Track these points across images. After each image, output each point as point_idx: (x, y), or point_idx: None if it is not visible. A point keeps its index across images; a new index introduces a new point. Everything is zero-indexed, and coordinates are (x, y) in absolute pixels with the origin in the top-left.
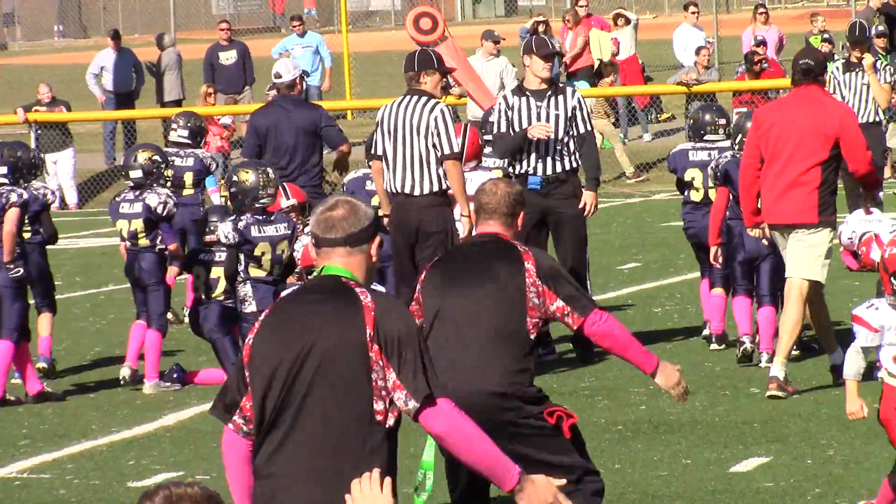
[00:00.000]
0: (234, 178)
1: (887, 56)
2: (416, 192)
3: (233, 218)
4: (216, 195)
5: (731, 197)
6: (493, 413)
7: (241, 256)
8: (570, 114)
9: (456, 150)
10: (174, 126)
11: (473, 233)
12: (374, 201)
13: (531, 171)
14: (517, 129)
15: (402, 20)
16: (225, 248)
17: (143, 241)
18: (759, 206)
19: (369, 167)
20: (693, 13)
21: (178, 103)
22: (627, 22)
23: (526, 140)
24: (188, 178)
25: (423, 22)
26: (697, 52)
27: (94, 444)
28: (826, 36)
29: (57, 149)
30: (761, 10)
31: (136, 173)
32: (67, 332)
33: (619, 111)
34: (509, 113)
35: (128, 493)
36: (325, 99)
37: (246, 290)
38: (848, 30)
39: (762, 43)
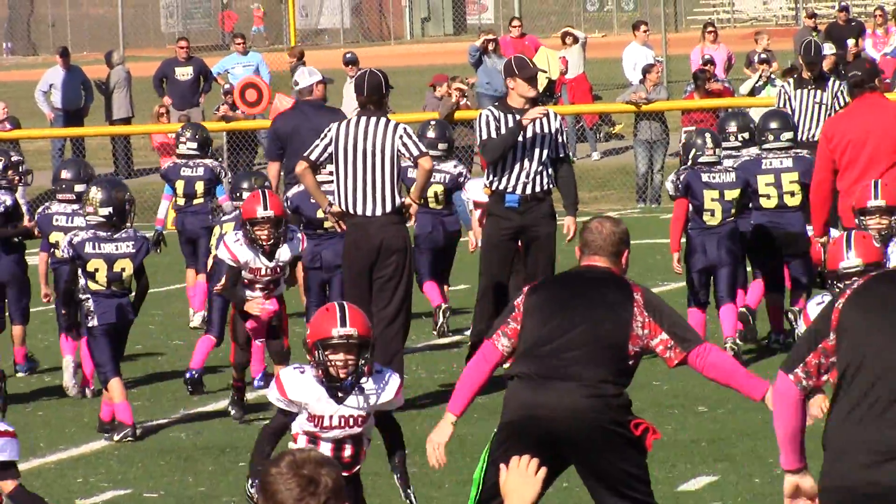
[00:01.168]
0: (88, 196)
1: (838, 79)
2: (378, 213)
3: (71, 233)
4: (227, 203)
5: (690, 207)
6: (587, 414)
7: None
8: (553, 136)
9: (423, 150)
10: (182, 139)
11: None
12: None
13: (510, 190)
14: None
15: (351, 38)
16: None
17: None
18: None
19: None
20: (643, 32)
21: (126, 121)
22: (575, 40)
23: (519, 134)
24: (199, 187)
25: (249, 93)
26: (648, 70)
27: (41, 461)
28: (763, 56)
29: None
30: (710, 29)
31: (105, 210)
32: (9, 348)
33: (567, 129)
34: (496, 123)
35: None
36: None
37: (89, 304)
38: (802, 48)
39: (710, 62)
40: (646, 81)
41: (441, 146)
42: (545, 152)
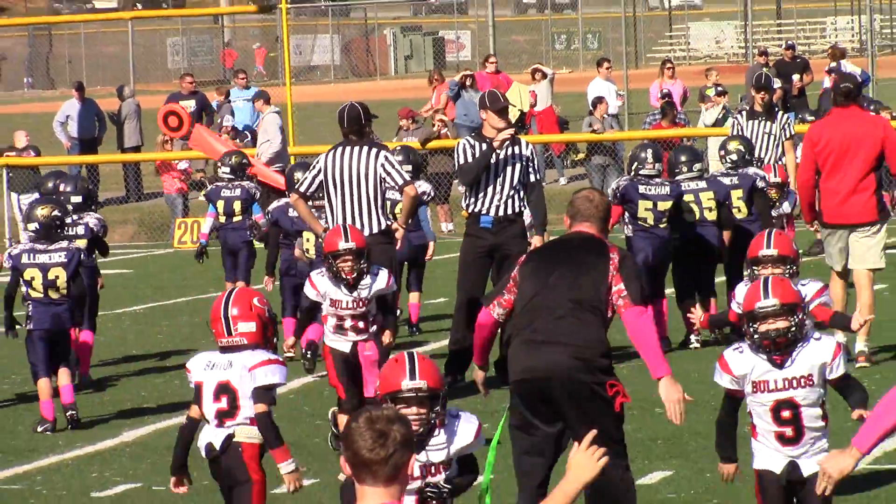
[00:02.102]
0: (32, 212)
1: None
2: (365, 234)
3: (10, 246)
4: (262, 220)
5: (626, 214)
6: (573, 373)
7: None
8: (524, 162)
9: (408, 178)
10: (220, 164)
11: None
12: (304, 227)
13: (484, 212)
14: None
15: (341, 74)
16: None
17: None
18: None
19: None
20: (606, 68)
21: (136, 149)
22: (544, 76)
23: (491, 156)
24: (237, 206)
25: (171, 120)
26: (598, 102)
27: (60, 458)
28: (720, 88)
29: (27, 190)
30: (668, 65)
31: (33, 225)
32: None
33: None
34: (472, 150)
35: (91, 503)
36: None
37: (29, 310)
38: (754, 79)
39: (668, 95)
40: (595, 112)
41: (405, 167)
42: (516, 177)
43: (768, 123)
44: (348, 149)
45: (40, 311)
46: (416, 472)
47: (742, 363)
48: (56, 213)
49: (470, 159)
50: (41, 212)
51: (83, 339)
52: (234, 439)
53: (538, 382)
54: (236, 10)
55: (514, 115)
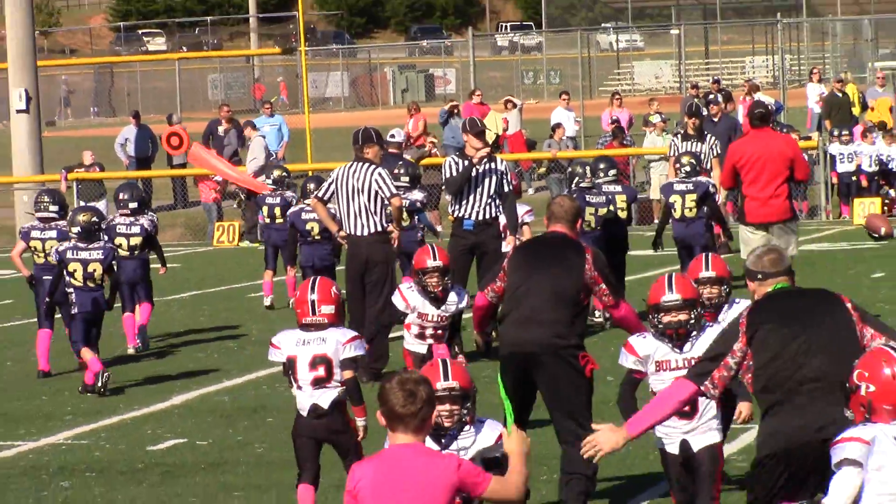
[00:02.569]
0: (74, 218)
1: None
2: (365, 233)
3: (60, 244)
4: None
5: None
6: (552, 347)
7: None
8: (499, 176)
9: (394, 191)
10: (266, 178)
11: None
12: (311, 226)
13: (466, 217)
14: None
15: (349, 104)
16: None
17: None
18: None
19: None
20: (564, 99)
21: (182, 166)
22: (514, 106)
23: (472, 171)
24: (278, 211)
25: (173, 140)
26: (557, 127)
27: (120, 418)
28: (662, 116)
29: (94, 199)
30: (616, 96)
31: (76, 228)
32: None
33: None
34: (457, 166)
35: (146, 456)
36: (289, 162)
37: (72, 297)
38: (687, 107)
39: (617, 121)
40: (555, 135)
41: (404, 178)
42: (493, 188)
43: (699, 144)
44: (355, 164)
45: (82, 297)
46: None
47: (646, 346)
48: (94, 218)
49: (455, 174)
50: (82, 217)
51: (141, 313)
52: (338, 399)
53: (524, 354)
54: (264, 52)
55: (490, 137)
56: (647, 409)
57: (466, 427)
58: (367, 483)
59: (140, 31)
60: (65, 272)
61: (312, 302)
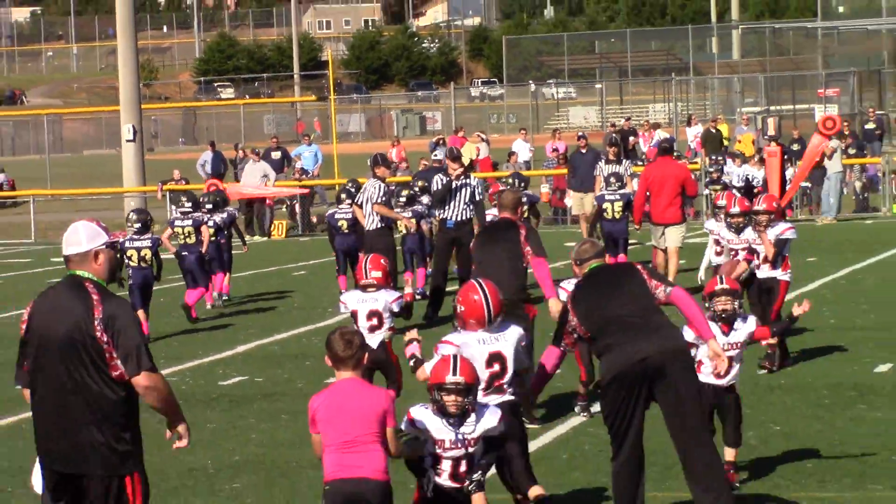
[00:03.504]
0: (131, 216)
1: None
2: (371, 228)
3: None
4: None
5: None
6: (510, 297)
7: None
8: (472, 189)
9: (378, 200)
10: (342, 195)
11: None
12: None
13: (449, 218)
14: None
15: (365, 137)
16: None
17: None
18: (641, 216)
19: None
20: (523, 133)
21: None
22: (484, 139)
23: (451, 186)
24: (343, 224)
25: (211, 188)
26: (511, 153)
27: (199, 361)
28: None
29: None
30: (557, 132)
31: (137, 225)
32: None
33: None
34: (442, 182)
35: (218, 389)
36: (322, 178)
37: (129, 274)
38: (607, 140)
39: (557, 149)
40: (510, 160)
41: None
42: (467, 198)
43: (617, 166)
44: (370, 180)
45: (136, 274)
46: (452, 444)
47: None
48: (146, 217)
49: (440, 187)
50: (138, 216)
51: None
52: (384, 340)
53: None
54: (304, 99)
55: (466, 161)
56: (533, 381)
57: (470, 415)
58: (321, 408)
59: (215, 84)
60: (125, 257)
61: (365, 268)
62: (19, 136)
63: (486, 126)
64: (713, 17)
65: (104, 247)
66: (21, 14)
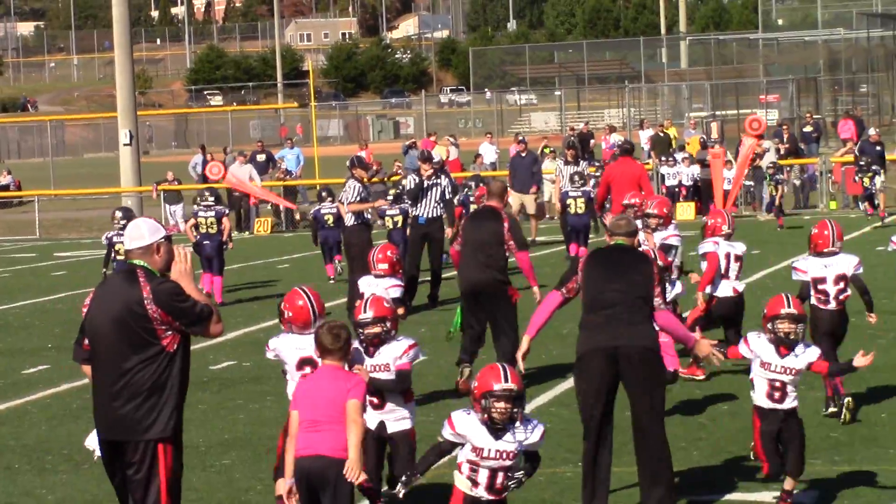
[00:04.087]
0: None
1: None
2: (349, 224)
3: (108, 232)
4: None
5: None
6: (493, 281)
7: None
8: (443, 189)
9: (349, 199)
10: (323, 191)
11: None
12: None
13: (420, 215)
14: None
15: (343, 141)
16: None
17: None
18: (604, 208)
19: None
20: (489, 137)
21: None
22: (453, 142)
23: (423, 185)
24: (329, 218)
25: (212, 170)
26: (477, 156)
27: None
28: (552, 148)
29: (174, 203)
30: (519, 136)
31: (123, 221)
32: None
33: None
34: (414, 182)
35: (209, 373)
36: (304, 178)
37: (115, 266)
38: (566, 143)
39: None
40: (476, 161)
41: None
42: (438, 196)
43: (574, 166)
44: (348, 180)
45: (122, 266)
46: (493, 454)
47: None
48: (132, 215)
49: (412, 187)
50: (122, 213)
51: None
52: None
53: (474, 286)
54: (287, 106)
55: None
56: (534, 317)
57: (517, 424)
58: (299, 388)
59: (205, 92)
60: (113, 251)
61: (373, 260)
62: (24, 140)
63: (455, 130)
64: (663, 30)
65: (164, 240)
66: (26, 28)
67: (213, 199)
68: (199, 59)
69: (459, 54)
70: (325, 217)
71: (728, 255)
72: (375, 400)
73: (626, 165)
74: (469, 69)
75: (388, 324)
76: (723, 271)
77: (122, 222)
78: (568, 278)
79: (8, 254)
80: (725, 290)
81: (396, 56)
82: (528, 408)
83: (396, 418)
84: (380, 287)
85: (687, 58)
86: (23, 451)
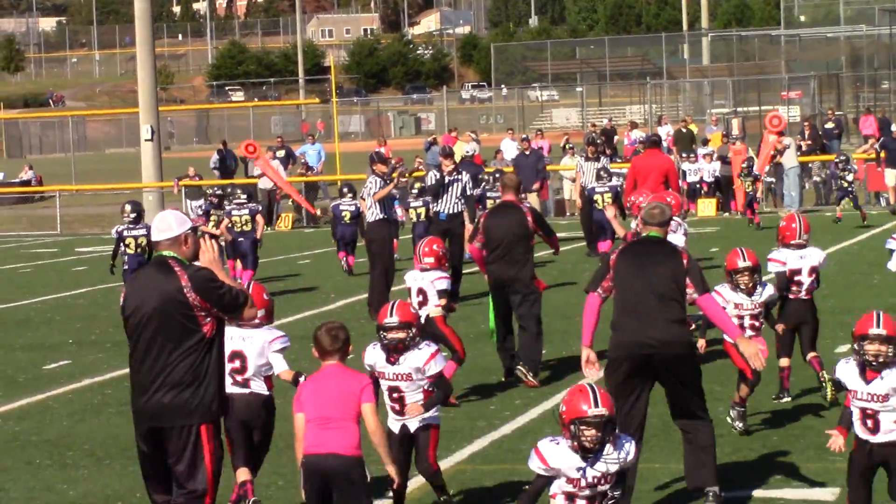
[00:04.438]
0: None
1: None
2: (371, 220)
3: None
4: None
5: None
6: (520, 275)
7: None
8: (463, 184)
9: (374, 193)
10: (344, 188)
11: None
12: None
13: (441, 210)
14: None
15: (365, 137)
16: None
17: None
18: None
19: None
20: (510, 133)
21: (255, 177)
22: (475, 139)
23: (444, 181)
24: (347, 215)
25: (249, 148)
26: (498, 151)
27: None
28: (570, 145)
29: (195, 198)
30: (538, 131)
31: (133, 215)
32: None
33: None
34: (435, 178)
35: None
36: (325, 174)
37: (125, 259)
38: (587, 139)
39: (542, 147)
40: (497, 157)
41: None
42: (458, 192)
43: (595, 164)
44: (369, 176)
45: (132, 260)
46: (589, 481)
47: (371, 356)
48: (140, 208)
49: (433, 182)
50: (131, 207)
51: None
52: (429, 316)
53: (503, 282)
54: (308, 101)
55: (458, 158)
56: (584, 324)
57: (609, 448)
58: (304, 389)
59: (227, 88)
60: (122, 244)
61: (420, 254)
62: (46, 135)
63: (476, 126)
64: (685, 26)
65: (191, 231)
66: (48, 24)
67: (245, 196)
68: (220, 54)
69: (481, 50)
70: (343, 213)
71: None
72: (397, 407)
73: (653, 158)
74: (490, 65)
75: (414, 330)
76: None
77: (132, 216)
78: (601, 276)
79: (29, 249)
80: None
81: (418, 52)
82: (550, 402)
83: (420, 420)
84: (426, 280)
85: (709, 54)
86: (44, 446)
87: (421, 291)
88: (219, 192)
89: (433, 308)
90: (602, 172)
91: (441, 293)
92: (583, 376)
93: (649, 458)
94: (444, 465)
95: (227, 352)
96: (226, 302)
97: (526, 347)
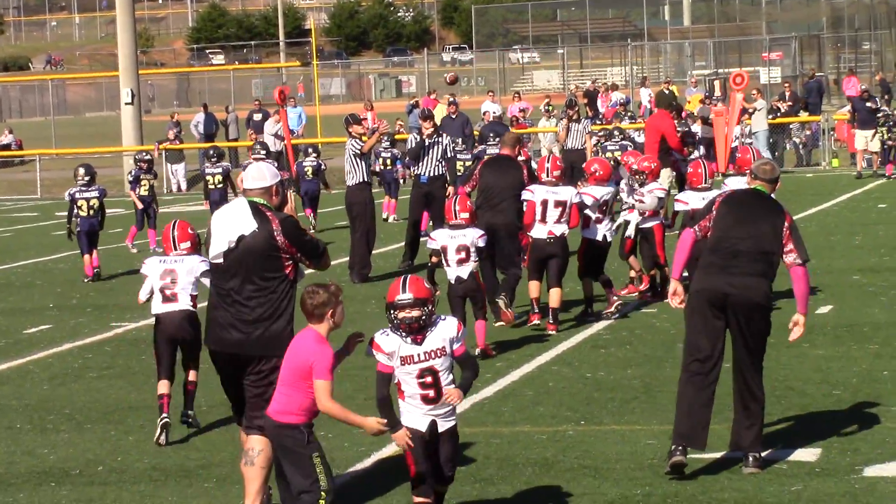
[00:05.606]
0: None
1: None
2: (352, 183)
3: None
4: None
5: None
6: (505, 227)
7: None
8: (444, 147)
9: (359, 151)
10: (308, 147)
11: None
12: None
13: (422, 174)
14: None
15: (346, 100)
16: None
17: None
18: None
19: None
20: (490, 95)
21: (235, 140)
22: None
23: (424, 143)
24: (309, 170)
25: (281, 95)
26: (484, 114)
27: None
28: (553, 107)
29: (176, 162)
30: (517, 93)
31: (87, 178)
32: None
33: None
34: (416, 140)
35: None
36: (306, 137)
37: (77, 221)
38: (567, 102)
39: (523, 109)
40: (484, 118)
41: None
42: (439, 154)
43: (578, 125)
44: (348, 139)
45: (84, 222)
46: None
47: (389, 343)
48: (92, 170)
49: (414, 145)
50: (86, 170)
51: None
52: (473, 271)
53: (490, 227)
54: (289, 64)
55: (438, 121)
56: (675, 258)
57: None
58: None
59: (207, 51)
60: (75, 206)
61: (455, 209)
62: (26, 99)
63: (458, 88)
64: None
65: (279, 185)
66: None
67: (264, 152)
68: (200, 17)
69: (462, 12)
70: (306, 168)
71: (545, 202)
72: (431, 393)
73: (656, 119)
74: (472, 27)
75: (430, 307)
76: (539, 216)
77: (86, 178)
78: (703, 216)
79: (9, 213)
80: (540, 232)
81: (399, 14)
82: (531, 366)
83: (446, 415)
84: (468, 237)
85: (690, 15)
86: (24, 410)
87: (462, 248)
88: (147, 157)
89: (474, 264)
90: (615, 132)
91: (480, 251)
92: (565, 338)
93: (631, 420)
94: None
95: (160, 271)
96: (308, 248)
97: (509, 283)
